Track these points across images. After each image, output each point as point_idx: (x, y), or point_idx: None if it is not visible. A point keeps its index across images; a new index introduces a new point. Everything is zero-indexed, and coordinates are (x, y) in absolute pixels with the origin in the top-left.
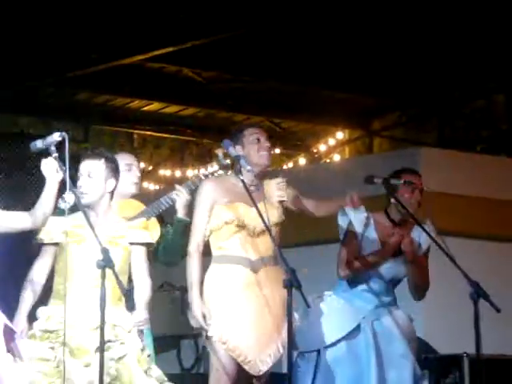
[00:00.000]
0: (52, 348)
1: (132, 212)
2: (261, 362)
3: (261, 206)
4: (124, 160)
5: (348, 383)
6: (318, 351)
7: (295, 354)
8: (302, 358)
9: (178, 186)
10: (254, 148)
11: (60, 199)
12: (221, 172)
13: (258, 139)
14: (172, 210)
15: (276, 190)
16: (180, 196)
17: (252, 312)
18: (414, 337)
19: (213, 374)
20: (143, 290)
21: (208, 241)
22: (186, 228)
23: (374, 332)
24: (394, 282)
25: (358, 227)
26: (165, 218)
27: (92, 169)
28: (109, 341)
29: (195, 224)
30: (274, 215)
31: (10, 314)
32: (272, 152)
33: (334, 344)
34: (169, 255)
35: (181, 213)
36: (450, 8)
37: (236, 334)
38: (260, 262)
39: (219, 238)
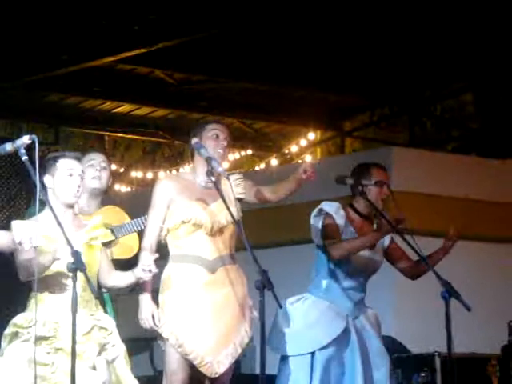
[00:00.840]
0: (48, 353)
1: (115, 219)
2: (218, 363)
3: (218, 204)
4: (86, 156)
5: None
6: (312, 354)
7: (272, 357)
8: (286, 361)
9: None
10: (211, 144)
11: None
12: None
13: (217, 135)
14: None
15: (234, 187)
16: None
17: (209, 313)
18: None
19: (166, 375)
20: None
21: (165, 240)
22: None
23: (357, 330)
24: (368, 276)
25: (340, 222)
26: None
27: (80, 169)
28: (104, 344)
29: (150, 222)
30: (233, 213)
31: None
32: (244, 153)
33: (326, 346)
34: None
35: None
36: (419, 8)
37: (192, 336)
38: (218, 261)
39: (176, 237)
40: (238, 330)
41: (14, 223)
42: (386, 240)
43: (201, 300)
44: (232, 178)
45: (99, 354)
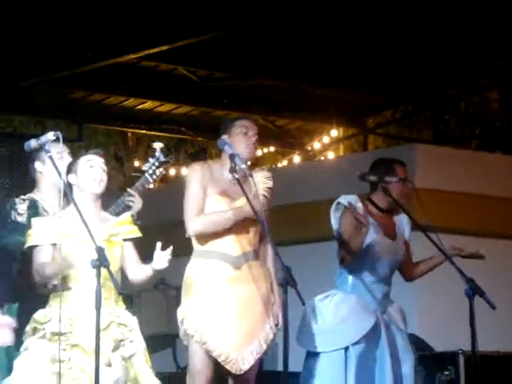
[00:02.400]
0: (64, 350)
1: None
2: (242, 360)
3: (243, 200)
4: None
5: (372, 379)
6: (345, 350)
7: (294, 353)
8: (317, 357)
9: (130, 191)
10: (240, 139)
11: (13, 211)
12: (161, 169)
13: (246, 132)
14: None
15: (261, 184)
16: (135, 202)
17: (234, 309)
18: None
19: (189, 372)
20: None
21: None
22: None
23: (386, 325)
24: (391, 267)
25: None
26: None
27: (101, 161)
28: (121, 340)
29: (191, 211)
30: (256, 210)
31: None
32: (267, 150)
33: (358, 342)
34: None
35: (135, 216)
36: (444, 5)
37: (217, 333)
38: (242, 258)
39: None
40: (262, 327)
41: (34, 220)
42: (407, 232)
43: (225, 296)
44: (260, 174)
45: (116, 349)
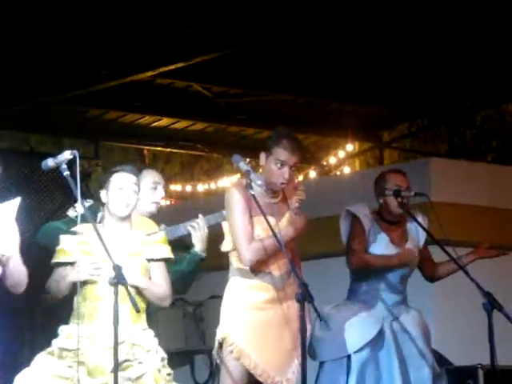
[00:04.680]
0: (70, 367)
1: (145, 230)
2: (287, 381)
3: (286, 217)
4: (152, 177)
5: None
6: (348, 357)
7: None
8: (323, 366)
9: (200, 217)
10: (274, 172)
11: (71, 208)
12: None
13: (282, 164)
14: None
15: (294, 196)
16: (196, 230)
17: (275, 330)
18: (429, 335)
19: None
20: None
21: (224, 253)
22: (200, 262)
23: (393, 332)
24: (405, 277)
25: (366, 223)
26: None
27: (132, 182)
28: (127, 360)
29: (243, 240)
30: (302, 223)
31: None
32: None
33: (361, 349)
34: (184, 284)
35: (198, 248)
36: (459, 18)
37: (261, 356)
38: (280, 278)
39: None
40: (297, 346)
41: (63, 237)
42: (422, 241)
43: (267, 317)
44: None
45: (120, 370)
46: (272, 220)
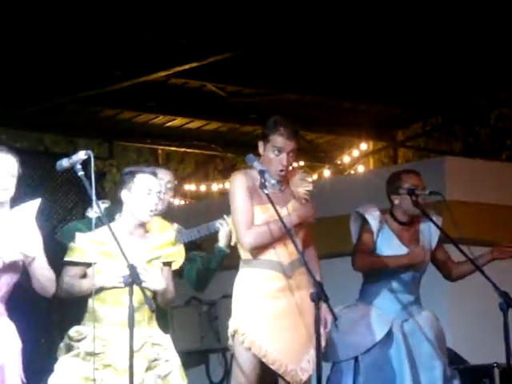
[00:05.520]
0: (96, 369)
1: (162, 231)
2: (301, 370)
3: (290, 205)
4: (166, 177)
5: None
6: (355, 359)
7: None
8: (333, 367)
9: (225, 216)
10: (270, 160)
11: (89, 209)
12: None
13: (278, 154)
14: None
15: (300, 184)
16: (224, 226)
17: (288, 319)
18: (443, 336)
19: (236, 380)
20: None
21: (236, 252)
22: (224, 258)
23: (404, 333)
24: (416, 277)
25: (373, 224)
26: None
27: (155, 186)
28: (155, 359)
29: (239, 209)
30: (307, 212)
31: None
32: (296, 164)
33: (369, 350)
34: (201, 282)
35: (222, 243)
36: (474, 16)
37: (275, 345)
38: (291, 266)
39: None
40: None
41: (78, 235)
42: (434, 241)
43: (279, 306)
44: (298, 176)
45: (150, 369)
46: (271, 208)
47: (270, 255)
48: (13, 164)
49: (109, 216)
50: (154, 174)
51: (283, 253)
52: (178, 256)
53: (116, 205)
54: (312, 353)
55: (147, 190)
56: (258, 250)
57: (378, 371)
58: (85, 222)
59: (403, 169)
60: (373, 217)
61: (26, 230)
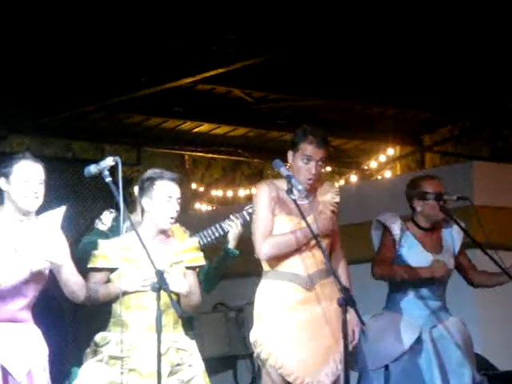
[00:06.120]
0: (121, 373)
1: (177, 238)
2: (318, 383)
3: (310, 217)
4: None
5: None
6: (386, 367)
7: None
8: (362, 377)
9: (232, 216)
10: (299, 168)
11: (97, 221)
12: None
13: (307, 162)
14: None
15: (327, 194)
16: (233, 227)
17: (307, 331)
18: (471, 342)
19: None
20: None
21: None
22: (233, 260)
23: (433, 340)
24: (442, 283)
25: (395, 232)
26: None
27: (175, 192)
28: (178, 364)
29: (260, 234)
30: (325, 225)
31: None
32: (323, 170)
33: (398, 358)
34: (210, 283)
35: (232, 244)
36: (499, 19)
37: (291, 357)
38: (315, 277)
39: None
40: (337, 346)
41: (101, 242)
42: (457, 247)
43: (298, 319)
44: (327, 189)
45: (173, 374)
46: (296, 219)
47: (289, 267)
48: (41, 172)
49: (116, 225)
50: (174, 180)
51: (303, 265)
52: (202, 261)
53: (126, 213)
54: (332, 365)
55: (167, 197)
56: (276, 261)
57: (408, 379)
58: (97, 234)
59: (423, 175)
60: (394, 225)
61: (53, 238)
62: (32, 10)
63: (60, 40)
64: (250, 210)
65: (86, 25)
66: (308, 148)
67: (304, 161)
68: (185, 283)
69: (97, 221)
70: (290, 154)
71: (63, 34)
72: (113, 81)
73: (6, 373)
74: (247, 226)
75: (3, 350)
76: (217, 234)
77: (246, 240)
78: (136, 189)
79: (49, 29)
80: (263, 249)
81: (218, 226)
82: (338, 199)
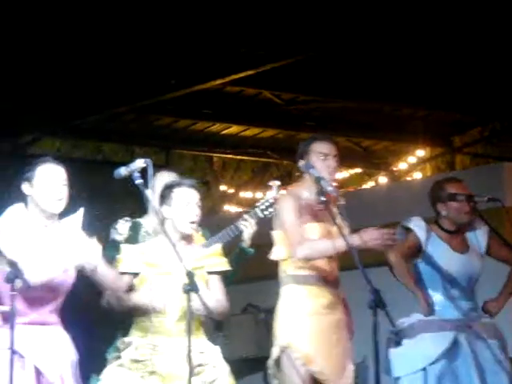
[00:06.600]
0: (142, 377)
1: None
2: None
3: (338, 220)
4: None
5: None
6: (423, 370)
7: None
8: (399, 382)
9: (246, 216)
10: (319, 165)
11: (113, 230)
12: (273, 209)
13: (324, 159)
14: None
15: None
16: (248, 227)
17: (332, 335)
18: (505, 343)
19: None
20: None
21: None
22: (247, 259)
23: (469, 340)
24: (472, 282)
25: (419, 233)
26: None
27: (194, 197)
28: (200, 365)
29: (297, 236)
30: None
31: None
32: (353, 171)
33: (435, 361)
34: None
35: (247, 244)
36: None
37: (324, 361)
38: (336, 282)
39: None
40: (350, 349)
41: (123, 247)
42: (482, 248)
43: (325, 322)
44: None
45: (196, 374)
46: (322, 226)
47: (318, 272)
48: (63, 174)
49: (134, 232)
50: (193, 186)
51: (329, 269)
52: (226, 266)
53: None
54: (349, 369)
55: (186, 202)
56: (300, 262)
57: (447, 381)
58: (114, 247)
59: (447, 177)
60: (419, 227)
61: (84, 240)
62: (63, 12)
63: (91, 42)
64: (262, 207)
65: (117, 27)
66: (322, 145)
67: (321, 157)
68: (206, 291)
69: (112, 230)
70: (301, 163)
71: (94, 36)
72: (143, 83)
73: (39, 374)
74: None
75: (36, 351)
76: (232, 235)
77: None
78: (149, 192)
79: (80, 31)
80: (300, 250)
81: (233, 226)
82: (343, 202)
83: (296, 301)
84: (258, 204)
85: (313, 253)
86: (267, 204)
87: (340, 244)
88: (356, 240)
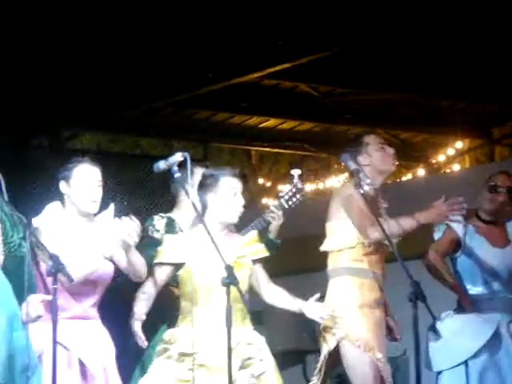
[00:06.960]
0: (191, 369)
1: None
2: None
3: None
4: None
5: None
6: (465, 364)
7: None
8: (441, 376)
9: (273, 208)
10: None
11: (150, 227)
12: (298, 196)
13: (384, 149)
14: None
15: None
16: (275, 218)
17: (382, 329)
18: None
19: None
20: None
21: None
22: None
23: (510, 333)
24: (510, 276)
25: (457, 228)
26: None
27: (239, 187)
28: (249, 358)
29: (369, 218)
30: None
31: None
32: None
33: (477, 354)
34: None
35: (273, 235)
36: None
37: (378, 348)
38: (382, 277)
39: (358, 251)
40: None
41: (166, 237)
42: None
43: (377, 316)
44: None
45: (243, 368)
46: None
47: (372, 265)
48: (99, 175)
49: (169, 227)
50: (236, 176)
51: (380, 264)
52: (265, 252)
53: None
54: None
55: (233, 191)
56: (355, 255)
57: (490, 374)
58: (154, 244)
59: (500, 170)
60: (456, 221)
61: (117, 226)
62: (100, 9)
63: (130, 38)
64: (286, 197)
65: (154, 22)
66: (378, 138)
67: (382, 148)
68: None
69: (150, 228)
70: (359, 155)
71: (131, 31)
72: (181, 77)
73: (83, 367)
74: (320, 224)
75: (80, 344)
76: (260, 227)
77: (313, 237)
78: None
79: (117, 26)
80: (373, 230)
81: (260, 219)
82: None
83: (351, 292)
84: (281, 194)
85: (381, 235)
86: (290, 194)
87: (409, 223)
88: (424, 217)
